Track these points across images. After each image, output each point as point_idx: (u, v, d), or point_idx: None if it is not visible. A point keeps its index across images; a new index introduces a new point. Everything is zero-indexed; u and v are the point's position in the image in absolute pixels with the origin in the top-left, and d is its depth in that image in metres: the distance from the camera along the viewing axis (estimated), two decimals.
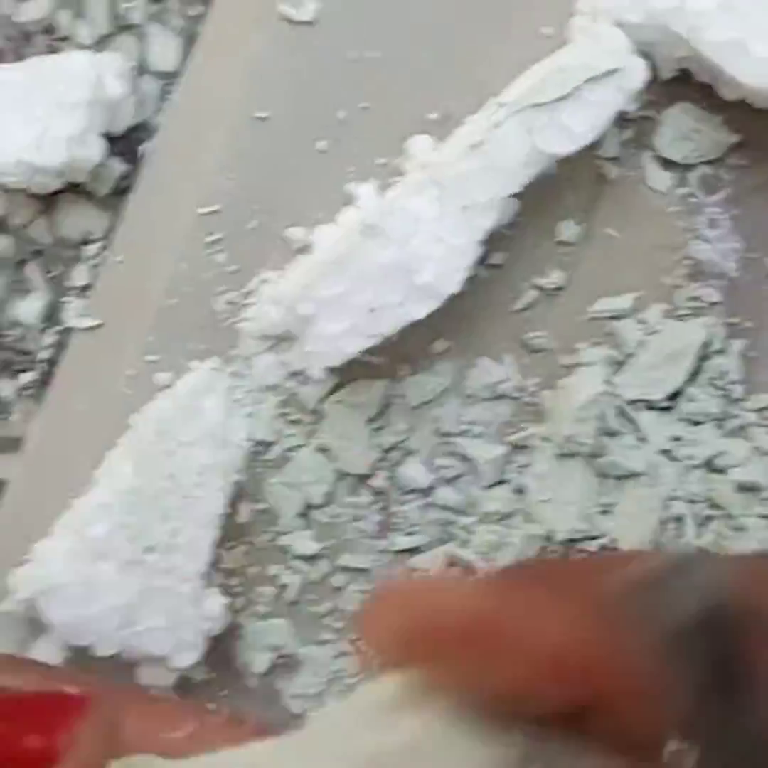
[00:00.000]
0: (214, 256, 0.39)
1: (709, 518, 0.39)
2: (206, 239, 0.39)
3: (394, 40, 0.39)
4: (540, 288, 0.40)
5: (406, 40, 0.39)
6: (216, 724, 0.32)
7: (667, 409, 0.38)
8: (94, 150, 0.39)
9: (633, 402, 0.38)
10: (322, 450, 0.39)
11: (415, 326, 0.37)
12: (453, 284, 0.36)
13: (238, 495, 0.39)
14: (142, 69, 0.41)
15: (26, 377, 0.42)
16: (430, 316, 0.37)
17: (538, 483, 0.38)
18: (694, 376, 0.39)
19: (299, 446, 0.39)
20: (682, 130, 0.39)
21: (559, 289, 0.39)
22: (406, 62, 0.39)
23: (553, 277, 0.39)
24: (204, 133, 0.40)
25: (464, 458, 0.39)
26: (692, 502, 0.39)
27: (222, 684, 0.40)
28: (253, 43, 0.39)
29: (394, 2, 0.39)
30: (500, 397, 0.39)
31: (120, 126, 0.40)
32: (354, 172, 0.39)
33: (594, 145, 0.38)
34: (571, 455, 0.38)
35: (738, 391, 0.39)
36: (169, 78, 0.41)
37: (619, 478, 0.38)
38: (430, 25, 0.39)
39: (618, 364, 0.39)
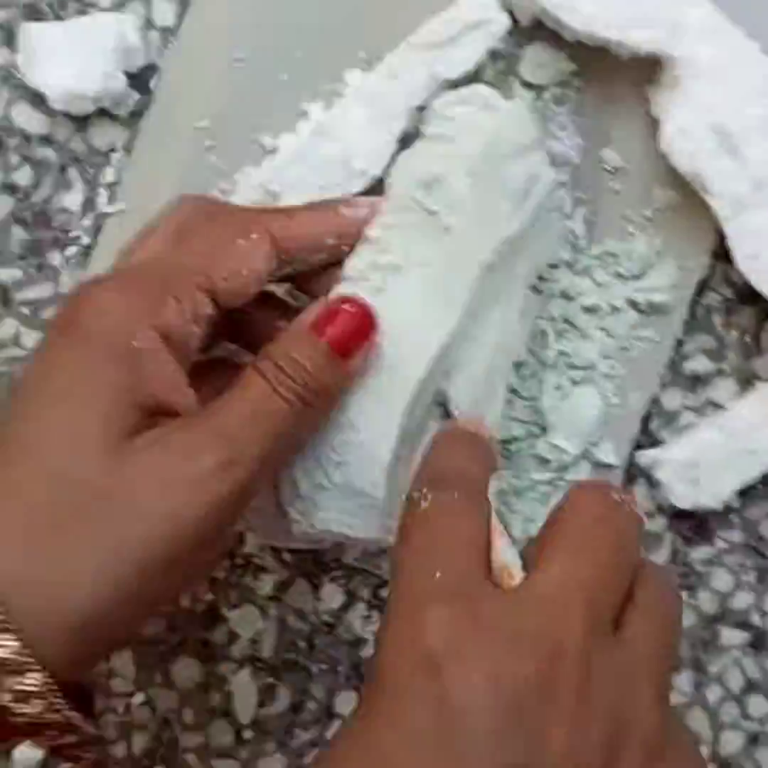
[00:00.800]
0: (208, 156, 0.54)
1: (563, 332, 0.55)
2: (203, 145, 0.54)
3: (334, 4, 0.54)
4: None
5: (344, 4, 0.54)
6: None
7: None
8: (119, 83, 0.54)
9: None
10: None
11: None
12: (378, 168, 0.51)
13: None
14: (148, 24, 0.55)
15: (70, 251, 0.55)
16: None
17: None
18: None
19: None
20: (538, 62, 0.54)
21: None
22: (344, 18, 0.54)
23: None
24: (198, 70, 0.54)
25: None
26: (552, 319, 0.55)
27: None
28: (231, 5, 0.54)
29: None
30: None
31: (135, 66, 0.54)
32: (307, 95, 0.54)
33: (476, 73, 0.54)
34: None
35: (582, 243, 0.55)
36: (168, 32, 0.55)
37: None
38: None
39: None
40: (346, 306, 0.43)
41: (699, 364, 0.56)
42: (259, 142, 0.54)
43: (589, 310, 0.55)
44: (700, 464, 0.53)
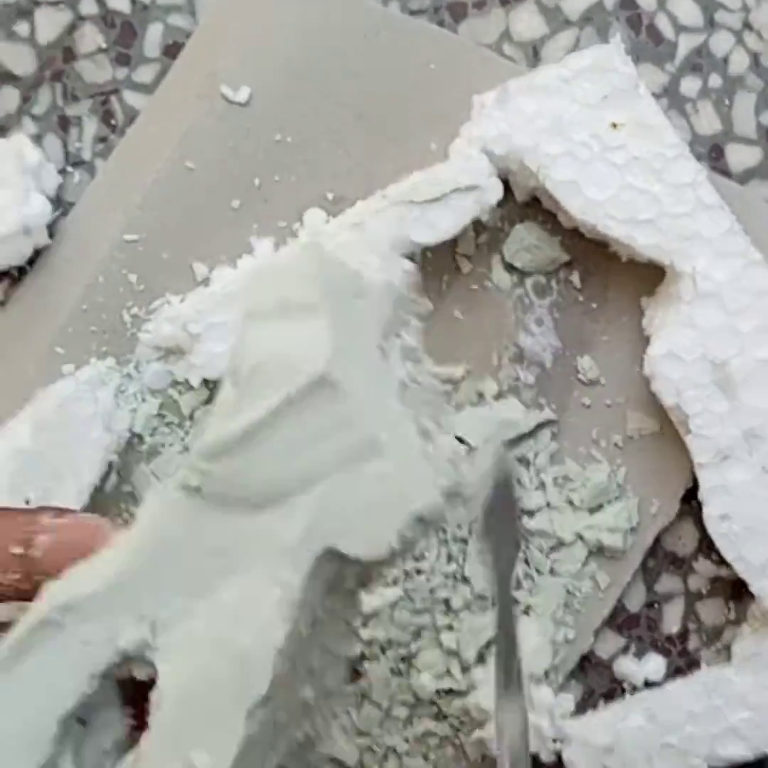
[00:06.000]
0: (128, 275, 0.46)
1: None
2: (124, 260, 0.46)
3: (308, 131, 0.47)
4: None
5: (318, 132, 0.47)
6: None
7: None
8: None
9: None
10: (187, 450, 0.45)
11: None
12: None
13: (109, 473, 0.45)
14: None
15: None
16: None
17: None
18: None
19: (170, 445, 0.46)
20: (525, 244, 0.47)
21: None
22: (316, 150, 0.47)
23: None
24: (138, 173, 0.46)
25: None
26: None
27: None
28: (194, 109, 0.46)
29: (312, 102, 0.47)
30: None
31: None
32: (257, 229, 0.46)
33: (454, 243, 0.47)
34: None
35: (541, 459, 0.47)
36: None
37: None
38: (340, 123, 0.47)
39: None
40: None
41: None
42: (189, 270, 0.46)
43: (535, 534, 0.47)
44: (616, 752, 0.44)
